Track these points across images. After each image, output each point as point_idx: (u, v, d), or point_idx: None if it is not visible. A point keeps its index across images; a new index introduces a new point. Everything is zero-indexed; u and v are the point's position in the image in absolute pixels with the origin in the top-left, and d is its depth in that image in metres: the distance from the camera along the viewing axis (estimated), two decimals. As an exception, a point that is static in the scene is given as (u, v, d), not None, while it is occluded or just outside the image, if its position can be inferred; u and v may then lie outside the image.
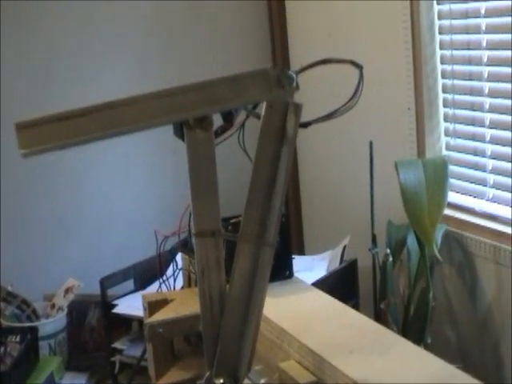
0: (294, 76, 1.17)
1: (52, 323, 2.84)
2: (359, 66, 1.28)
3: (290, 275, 1.69)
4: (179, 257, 1.97)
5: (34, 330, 2.70)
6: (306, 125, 1.27)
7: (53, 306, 2.90)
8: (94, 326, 2.97)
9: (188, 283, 1.83)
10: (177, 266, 1.89)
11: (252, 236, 1.19)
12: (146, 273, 2.67)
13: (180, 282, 1.93)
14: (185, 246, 1.77)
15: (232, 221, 1.53)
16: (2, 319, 2.77)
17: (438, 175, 2.40)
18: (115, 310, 2.60)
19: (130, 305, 2.60)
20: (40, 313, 2.86)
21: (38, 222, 3.10)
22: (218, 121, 1.22)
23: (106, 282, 2.63)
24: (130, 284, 2.73)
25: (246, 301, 1.21)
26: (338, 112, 1.30)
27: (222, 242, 1.20)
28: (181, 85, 1.11)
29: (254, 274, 1.21)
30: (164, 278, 1.91)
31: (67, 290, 2.90)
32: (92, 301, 2.94)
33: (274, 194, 1.19)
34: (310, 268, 2.61)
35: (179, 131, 1.16)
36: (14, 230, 3.03)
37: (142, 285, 2.70)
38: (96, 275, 2.64)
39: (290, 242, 1.68)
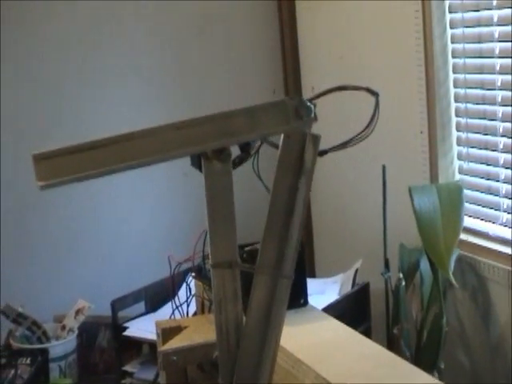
0: (313, 107, 1.16)
1: (62, 345, 2.81)
2: (375, 94, 1.27)
3: (305, 303, 1.68)
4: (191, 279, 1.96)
5: (45, 352, 2.69)
6: (322, 153, 1.27)
7: (63, 327, 2.88)
8: (104, 348, 2.95)
9: (201, 310, 1.82)
10: (190, 290, 1.88)
11: (269, 268, 1.18)
12: (158, 295, 2.66)
13: (193, 307, 1.92)
14: (199, 273, 1.76)
15: (247, 249, 1.52)
16: (13, 340, 2.77)
17: (452, 200, 2.38)
18: (126, 333, 2.59)
19: (141, 327, 2.58)
20: (50, 334, 2.85)
21: (48, 244, 3.09)
22: (235, 150, 1.22)
23: (117, 304, 2.63)
24: (141, 306, 2.72)
25: (263, 332, 1.21)
26: (353, 140, 1.29)
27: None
28: (197, 116, 1.11)
29: (270, 306, 1.20)
30: (177, 302, 1.90)
31: (78, 312, 2.88)
32: (102, 322, 2.92)
33: (292, 225, 1.18)
34: (321, 291, 2.60)
35: (197, 162, 1.16)
36: (24, 251, 3.03)
37: (153, 307, 2.70)
38: (107, 297, 2.64)
39: (305, 270, 1.67)
